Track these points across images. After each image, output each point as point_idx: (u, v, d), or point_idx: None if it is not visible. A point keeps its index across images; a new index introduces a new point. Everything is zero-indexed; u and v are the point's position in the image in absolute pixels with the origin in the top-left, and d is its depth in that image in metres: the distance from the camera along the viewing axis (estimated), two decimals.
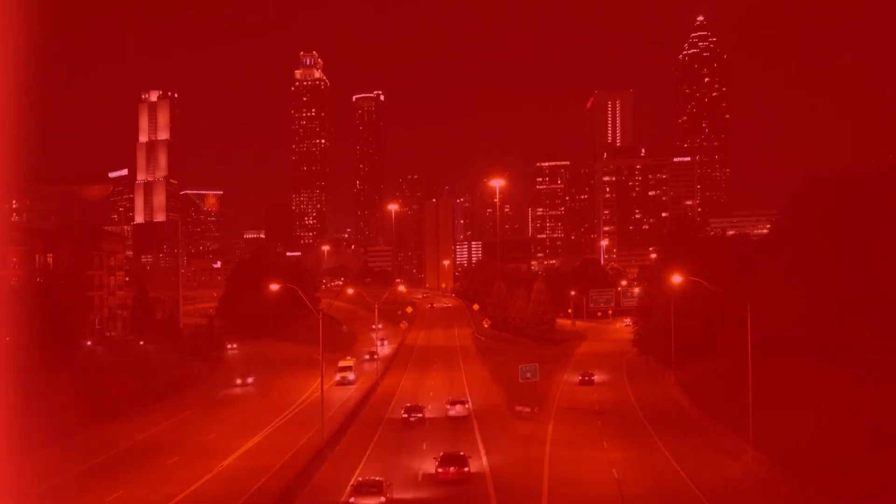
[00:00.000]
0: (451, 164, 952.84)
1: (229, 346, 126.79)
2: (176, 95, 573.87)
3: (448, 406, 66.68)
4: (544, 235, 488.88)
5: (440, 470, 44.65)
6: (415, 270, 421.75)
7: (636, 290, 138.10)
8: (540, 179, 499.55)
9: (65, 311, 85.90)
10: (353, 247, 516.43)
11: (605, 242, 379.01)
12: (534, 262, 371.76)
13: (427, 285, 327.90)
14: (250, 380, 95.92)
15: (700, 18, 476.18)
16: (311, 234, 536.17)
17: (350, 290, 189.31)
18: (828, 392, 49.85)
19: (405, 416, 64.07)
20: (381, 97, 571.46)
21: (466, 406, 67.14)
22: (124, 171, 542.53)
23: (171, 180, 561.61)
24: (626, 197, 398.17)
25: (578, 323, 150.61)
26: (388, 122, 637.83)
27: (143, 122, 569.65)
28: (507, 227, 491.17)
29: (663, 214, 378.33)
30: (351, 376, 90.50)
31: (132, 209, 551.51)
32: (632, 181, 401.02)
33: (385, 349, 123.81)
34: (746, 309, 48.86)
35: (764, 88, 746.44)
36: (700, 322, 77.69)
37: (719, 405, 59.46)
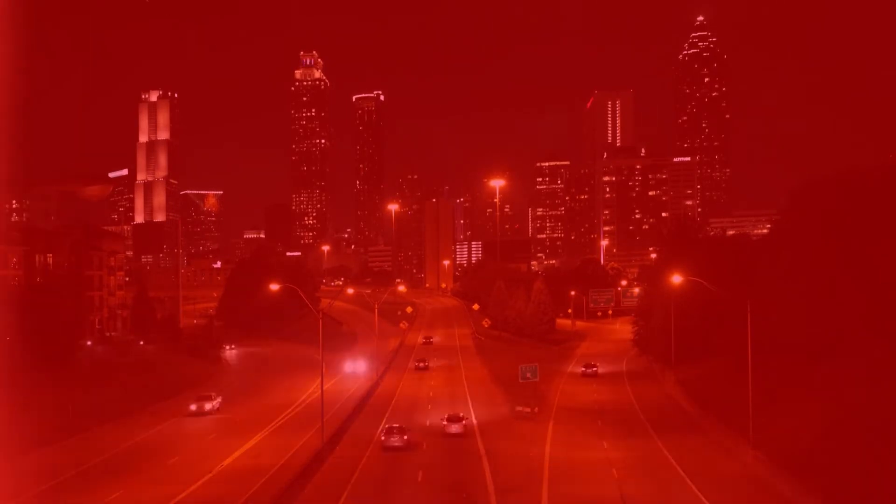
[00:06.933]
0: (451, 164, 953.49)
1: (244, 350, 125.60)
2: (176, 95, 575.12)
3: (445, 423, 58.71)
4: (544, 235, 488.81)
5: None
6: (415, 270, 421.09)
7: (636, 290, 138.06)
8: (540, 179, 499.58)
9: (64, 311, 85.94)
10: (353, 247, 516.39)
11: (605, 242, 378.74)
12: (534, 262, 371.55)
13: (427, 285, 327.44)
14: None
15: (700, 18, 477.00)
16: (311, 234, 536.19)
17: (350, 290, 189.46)
18: (828, 392, 49.78)
19: (384, 438, 53.54)
20: (381, 97, 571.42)
21: (464, 423, 58.96)
22: (124, 171, 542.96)
23: (171, 180, 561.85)
24: (626, 197, 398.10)
25: (578, 323, 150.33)
26: (388, 122, 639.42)
27: (143, 122, 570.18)
28: (507, 227, 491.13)
29: (663, 214, 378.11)
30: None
31: (132, 209, 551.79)
32: (632, 181, 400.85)
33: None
34: (746, 309, 48.86)
35: (764, 88, 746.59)
36: (700, 322, 77.63)
37: (719, 405, 59.43)
